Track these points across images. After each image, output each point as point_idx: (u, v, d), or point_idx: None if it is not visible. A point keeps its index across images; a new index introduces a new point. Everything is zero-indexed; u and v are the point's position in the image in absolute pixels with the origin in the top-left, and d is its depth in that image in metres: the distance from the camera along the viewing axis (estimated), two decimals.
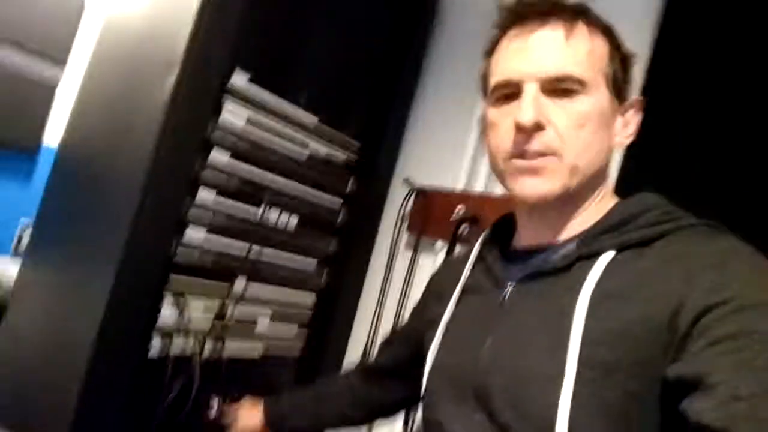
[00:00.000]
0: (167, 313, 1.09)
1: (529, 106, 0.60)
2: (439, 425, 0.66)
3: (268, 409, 1.03)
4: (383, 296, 1.46)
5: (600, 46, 0.63)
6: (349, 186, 1.42)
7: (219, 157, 1.14)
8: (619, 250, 0.58)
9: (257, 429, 1.06)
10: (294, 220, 1.31)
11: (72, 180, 1.30)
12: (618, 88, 0.64)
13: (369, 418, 1.02)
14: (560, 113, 0.61)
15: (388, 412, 1.00)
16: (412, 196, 1.45)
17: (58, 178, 1.37)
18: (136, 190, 1.02)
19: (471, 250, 0.77)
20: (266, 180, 1.23)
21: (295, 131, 1.28)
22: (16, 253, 1.99)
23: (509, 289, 0.65)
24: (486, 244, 0.75)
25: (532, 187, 0.62)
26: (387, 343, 0.98)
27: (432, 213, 1.40)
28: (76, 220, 1.22)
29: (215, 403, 1.16)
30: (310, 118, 1.30)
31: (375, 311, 1.45)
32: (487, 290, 0.69)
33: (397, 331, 0.98)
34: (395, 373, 0.92)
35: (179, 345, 1.11)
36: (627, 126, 0.66)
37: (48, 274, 1.25)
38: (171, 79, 1.03)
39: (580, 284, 0.57)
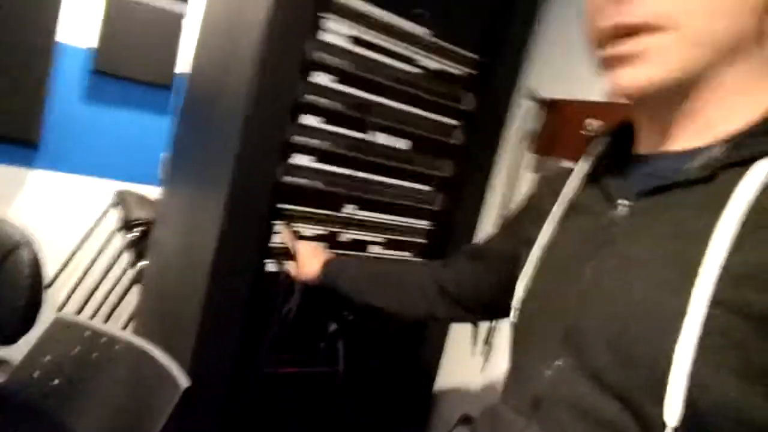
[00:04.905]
0: (279, 238, 1.11)
1: None
2: (524, 367, 0.58)
3: (325, 267, 1.03)
4: None
5: None
6: (467, 103, 1.30)
7: (321, 79, 1.08)
8: None
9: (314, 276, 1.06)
10: (405, 143, 1.23)
11: (193, 110, 1.35)
12: None
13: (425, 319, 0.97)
14: None
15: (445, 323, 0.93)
16: (537, 111, 1.28)
17: (183, 108, 1.43)
18: (239, 115, 1.01)
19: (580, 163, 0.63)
20: (373, 101, 1.15)
21: (405, 47, 1.17)
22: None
23: (623, 207, 0.52)
24: (599, 155, 0.60)
25: (628, 78, 0.47)
26: (472, 257, 0.85)
27: (560, 129, 1.23)
28: (197, 147, 1.27)
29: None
30: (421, 31, 1.18)
31: None
32: (596, 209, 0.56)
33: (482, 247, 0.85)
34: (471, 295, 0.83)
35: (292, 267, 1.13)
36: None
37: (179, 198, 1.34)
38: None
39: (725, 200, 0.43)
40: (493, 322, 1.27)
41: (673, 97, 0.48)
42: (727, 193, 0.43)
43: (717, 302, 0.40)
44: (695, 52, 0.45)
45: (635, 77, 0.46)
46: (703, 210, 0.44)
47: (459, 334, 1.41)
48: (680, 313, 0.41)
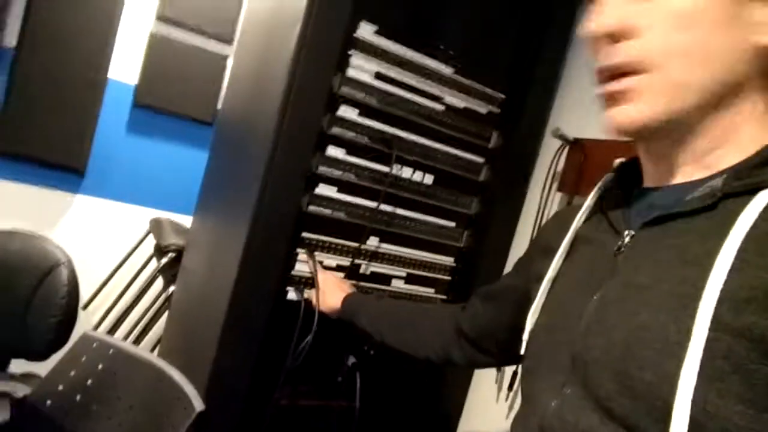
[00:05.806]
0: (301, 267, 1.12)
1: (603, 7, 0.50)
2: (532, 398, 0.57)
3: (346, 301, 1.05)
4: None
5: None
6: (493, 141, 1.30)
7: (349, 113, 1.11)
8: None
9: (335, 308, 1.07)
10: (430, 179, 1.24)
11: (224, 141, 1.41)
12: None
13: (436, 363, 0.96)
14: (651, 14, 0.47)
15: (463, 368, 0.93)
16: (565, 150, 1.27)
17: (216, 140, 1.49)
18: (268, 145, 1.04)
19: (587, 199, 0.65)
20: (399, 136, 1.18)
21: (430, 84, 1.19)
22: None
23: (628, 237, 0.53)
24: (606, 190, 0.62)
25: (619, 115, 0.50)
26: (486, 297, 0.86)
27: (588, 168, 1.22)
28: (226, 176, 1.32)
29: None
30: (446, 69, 1.21)
31: None
32: (601, 241, 0.57)
33: (496, 288, 0.86)
34: (487, 336, 0.83)
35: (313, 296, 1.13)
36: None
37: (207, 226, 1.38)
38: (294, 35, 1.02)
39: (726, 228, 0.43)
40: (517, 367, 1.24)
41: (672, 135, 0.51)
42: (730, 222, 0.44)
43: (718, 326, 0.40)
44: (679, 95, 0.48)
45: (626, 114, 0.50)
46: (706, 237, 0.45)
47: (483, 379, 1.37)
48: (683, 339, 0.41)
